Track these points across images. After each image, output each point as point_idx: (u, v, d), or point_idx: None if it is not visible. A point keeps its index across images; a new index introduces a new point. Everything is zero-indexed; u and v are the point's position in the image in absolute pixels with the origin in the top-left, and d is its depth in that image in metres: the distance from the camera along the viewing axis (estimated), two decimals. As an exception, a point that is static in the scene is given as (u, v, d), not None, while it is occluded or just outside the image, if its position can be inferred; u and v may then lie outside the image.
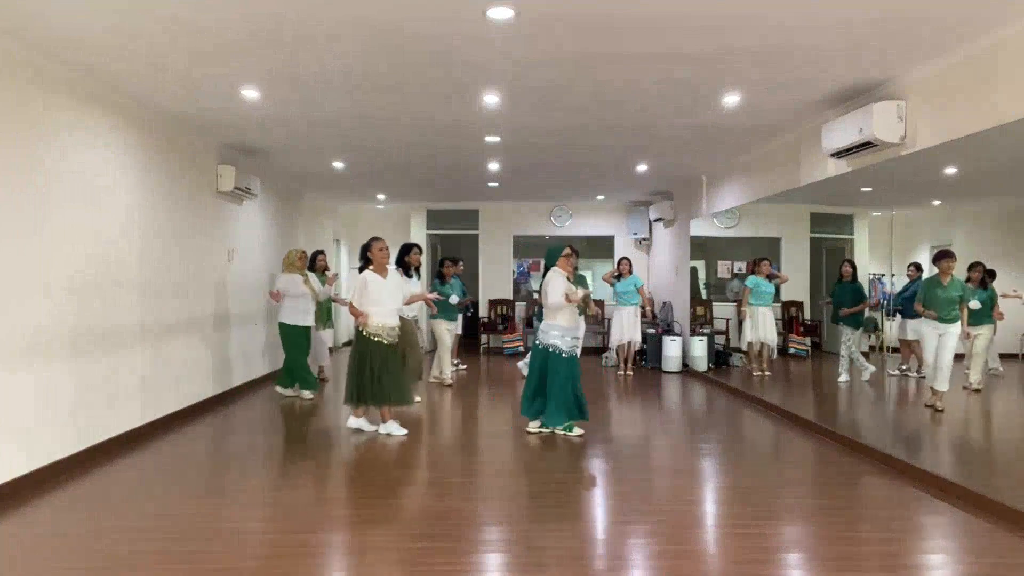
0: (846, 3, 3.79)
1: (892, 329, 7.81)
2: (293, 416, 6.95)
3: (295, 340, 7.50)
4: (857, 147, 5.26)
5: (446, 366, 8.52)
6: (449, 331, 8.45)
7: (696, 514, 4.19)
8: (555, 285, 5.83)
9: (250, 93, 5.47)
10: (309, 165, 8.90)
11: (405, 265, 7.20)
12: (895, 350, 8.20)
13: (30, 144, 4.53)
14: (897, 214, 6.13)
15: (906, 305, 7.65)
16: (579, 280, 6.06)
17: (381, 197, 12.04)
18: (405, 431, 5.88)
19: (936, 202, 7.51)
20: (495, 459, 5.33)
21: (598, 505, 4.41)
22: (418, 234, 12.77)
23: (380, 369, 5.75)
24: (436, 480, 4.73)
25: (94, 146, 5.24)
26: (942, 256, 6.03)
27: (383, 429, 5.90)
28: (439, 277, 8.48)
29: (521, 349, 11.87)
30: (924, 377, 8.06)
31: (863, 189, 7.16)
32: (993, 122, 4.17)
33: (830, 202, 8.62)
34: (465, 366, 10.04)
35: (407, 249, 7.40)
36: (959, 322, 5.88)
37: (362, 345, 5.82)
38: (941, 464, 5.04)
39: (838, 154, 5.57)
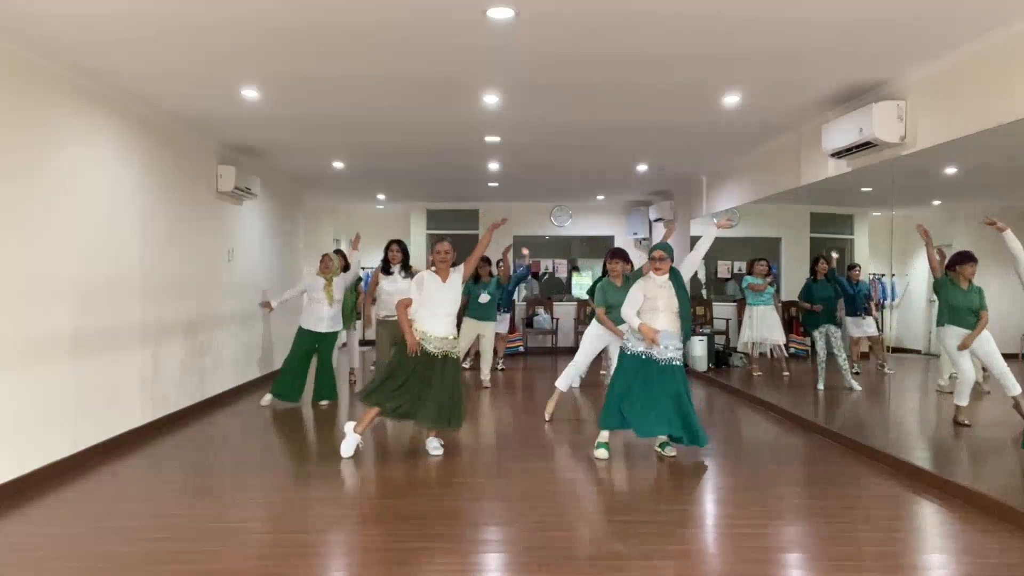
0: (846, 3, 3.79)
1: (849, 328, 7.85)
2: (296, 418, 6.95)
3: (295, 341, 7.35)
4: (857, 147, 5.26)
5: (485, 365, 8.58)
6: (482, 333, 8.41)
7: (696, 514, 4.19)
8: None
9: (250, 93, 5.47)
10: (309, 165, 8.90)
11: (386, 262, 6.97)
12: (895, 350, 8.21)
13: (30, 144, 4.53)
14: (897, 214, 6.11)
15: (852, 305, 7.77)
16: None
17: (381, 197, 12.05)
18: (440, 452, 5.29)
19: (936, 202, 7.52)
20: (496, 459, 5.32)
21: (598, 505, 4.41)
22: (418, 234, 12.78)
23: (413, 381, 5.09)
24: (437, 480, 4.73)
25: (94, 146, 5.24)
26: (965, 259, 5.62)
27: (426, 446, 5.35)
28: (474, 277, 8.34)
29: (521, 349, 11.87)
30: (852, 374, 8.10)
31: (863, 189, 7.17)
32: (993, 122, 4.17)
33: (830, 202, 8.63)
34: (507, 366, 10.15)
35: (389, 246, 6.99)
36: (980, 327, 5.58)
37: (401, 351, 5.19)
38: (941, 463, 5.04)
39: (838, 154, 5.57)
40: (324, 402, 7.35)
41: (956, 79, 4.55)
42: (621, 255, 6.18)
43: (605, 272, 6.34)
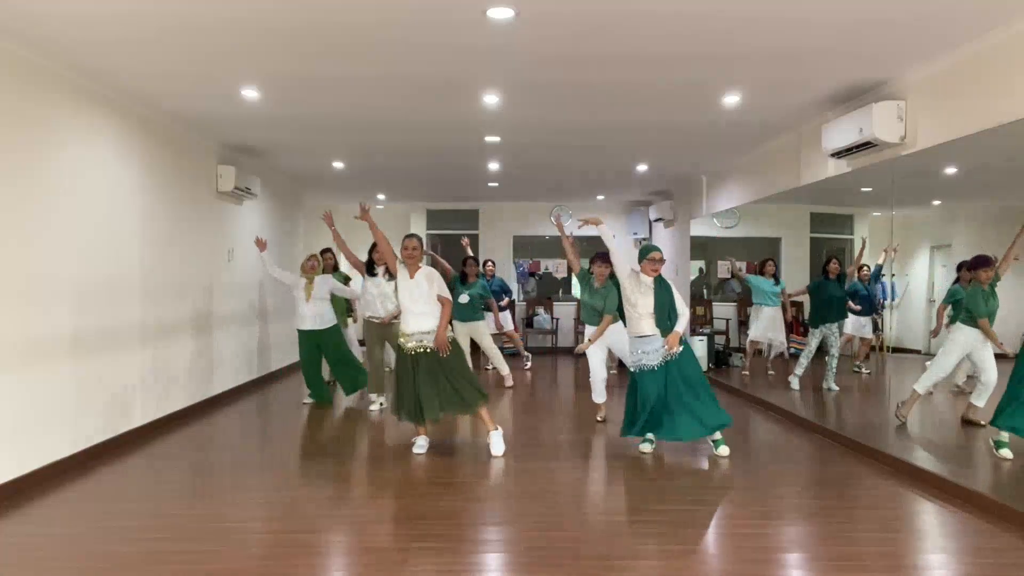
0: (846, 3, 3.79)
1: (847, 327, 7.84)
2: (297, 418, 6.95)
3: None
4: (857, 147, 5.26)
5: (500, 366, 8.58)
6: (474, 334, 8.39)
7: (696, 514, 4.19)
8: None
9: (250, 93, 5.47)
10: (309, 165, 8.90)
11: (371, 263, 6.93)
12: (895, 350, 8.20)
13: (30, 144, 4.53)
14: (897, 214, 6.11)
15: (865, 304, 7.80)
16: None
17: (381, 197, 12.05)
18: (421, 450, 5.34)
19: (936, 202, 7.52)
20: (495, 459, 5.31)
21: (598, 505, 4.41)
22: (418, 234, 12.76)
23: (401, 381, 5.28)
24: (437, 480, 4.73)
25: (94, 146, 5.24)
26: (982, 264, 5.44)
27: (490, 447, 5.34)
28: (461, 277, 8.44)
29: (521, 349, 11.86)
30: (858, 371, 8.08)
31: (863, 189, 7.17)
32: (993, 122, 4.17)
33: (830, 202, 8.63)
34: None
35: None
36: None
37: (396, 359, 5.41)
38: (941, 463, 5.04)
39: (838, 154, 5.57)
40: (355, 392, 7.44)
41: (956, 79, 4.55)
42: (604, 258, 6.52)
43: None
